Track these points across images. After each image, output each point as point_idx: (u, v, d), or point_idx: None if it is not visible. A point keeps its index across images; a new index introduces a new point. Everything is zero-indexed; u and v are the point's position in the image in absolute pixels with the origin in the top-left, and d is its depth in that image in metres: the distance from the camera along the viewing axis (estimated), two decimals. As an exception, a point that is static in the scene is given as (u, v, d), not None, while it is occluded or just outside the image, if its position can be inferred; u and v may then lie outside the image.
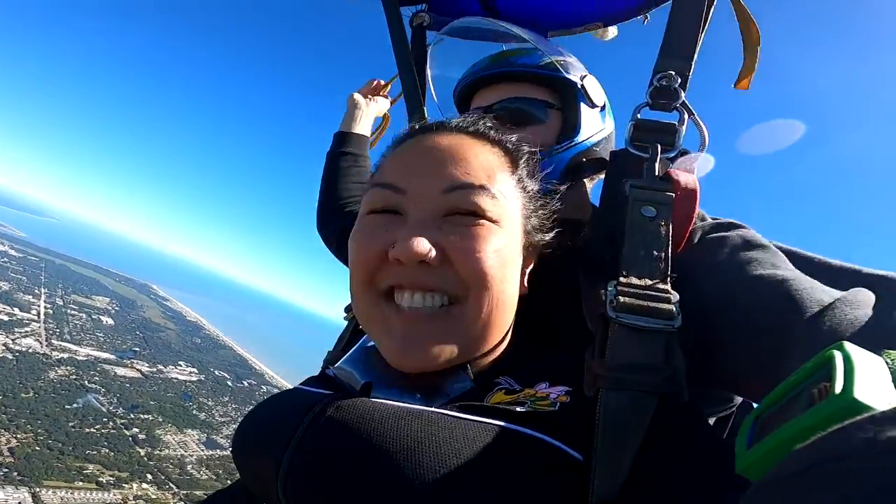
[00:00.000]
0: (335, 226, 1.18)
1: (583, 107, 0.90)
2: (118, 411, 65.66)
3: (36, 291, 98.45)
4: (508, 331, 0.65)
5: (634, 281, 0.58)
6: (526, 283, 0.67)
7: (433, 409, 0.51)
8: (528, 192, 0.67)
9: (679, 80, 0.74)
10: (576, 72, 0.92)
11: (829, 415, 0.26)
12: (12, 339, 71.85)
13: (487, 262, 0.57)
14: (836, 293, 0.52)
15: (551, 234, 0.69)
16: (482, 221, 0.59)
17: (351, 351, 0.66)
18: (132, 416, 65.82)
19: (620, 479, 0.47)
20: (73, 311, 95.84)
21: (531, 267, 0.69)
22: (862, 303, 0.48)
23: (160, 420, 67.75)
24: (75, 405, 61.88)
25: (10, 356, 66.63)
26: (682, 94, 0.74)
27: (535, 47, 0.93)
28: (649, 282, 0.58)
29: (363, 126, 1.33)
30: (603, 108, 0.94)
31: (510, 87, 0.91)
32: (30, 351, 70.60)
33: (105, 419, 61.95)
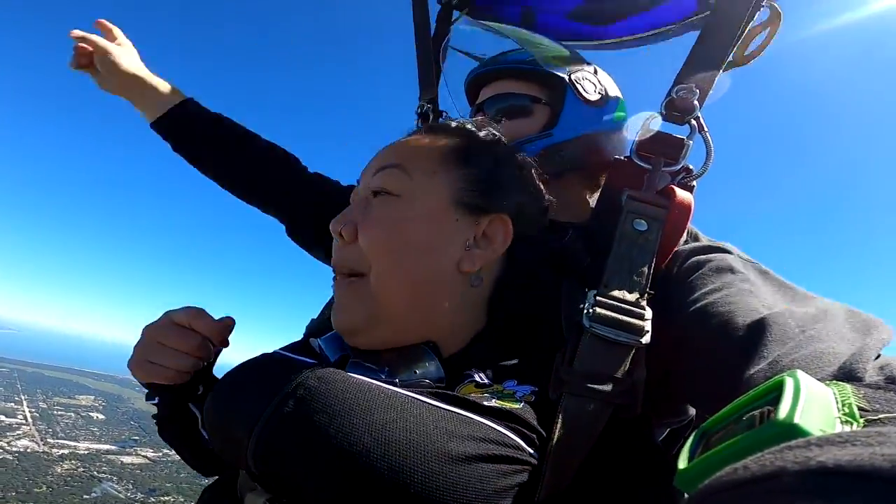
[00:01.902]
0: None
1: (571, 102, 0.87)
2: (137, 496, 60.49)
3: (17, 398, 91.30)
4: (451, 310, 0.63)
5: (615, 293, 0.58)
6: (474, 262, 0.63)
7: (407, 392, 0.52)
8: (471, 165, 0.66)
9: (698, 94, 0.70)
10: (572, 67, 0.89)
11: (769, 436, 0.27)
12: (7, 443, 66.32)
13: (380, 233, 0.61)
14: (808, 326, 0.50)
15: (508, 206, 0.65)
16: (386, 197, 0.63)
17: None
18: (153, 499, 60.69)
19: (566, 482, 0.49)
20: (59, 412, 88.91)
21: (497, 245, 0.65)
22: (827, 337, 0.47)
23: (182, 500, 62.49)
24: (94, 494, 57.31)
25: (9, 457, 61.45)
26: (698, 109, 0.70)
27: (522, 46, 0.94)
28: (628, 296, 0.58)
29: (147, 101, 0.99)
30: (600, 105, 0.89)
31: (501, 84, 0.92)
32: (28, 451, 65.09)
33: (127, 505, 57.34)
